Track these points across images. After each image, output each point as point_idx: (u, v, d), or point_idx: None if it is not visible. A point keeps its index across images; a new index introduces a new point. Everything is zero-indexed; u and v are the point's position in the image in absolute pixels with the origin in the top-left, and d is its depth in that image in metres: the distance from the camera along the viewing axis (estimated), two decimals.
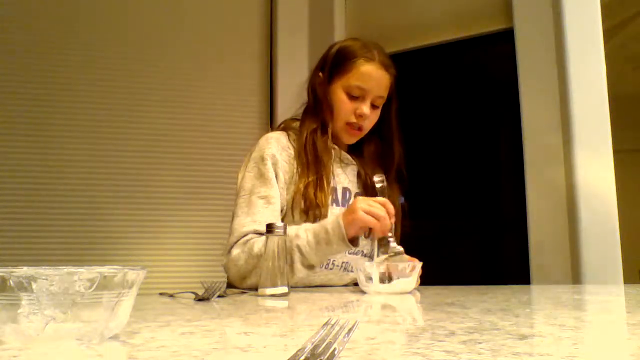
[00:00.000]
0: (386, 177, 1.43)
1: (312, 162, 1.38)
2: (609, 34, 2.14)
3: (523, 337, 0.54)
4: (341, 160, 1.47)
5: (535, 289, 1.14)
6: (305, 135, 1.41)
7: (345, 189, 1.45)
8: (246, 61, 2.79)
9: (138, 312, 0.76)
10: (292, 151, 1.41)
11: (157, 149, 2.66)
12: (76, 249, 2.52)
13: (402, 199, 1.56)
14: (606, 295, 1.09)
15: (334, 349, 0.42)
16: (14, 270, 0.49)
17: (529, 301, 0.95)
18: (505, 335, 0.55)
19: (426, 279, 1.29)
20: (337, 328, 0.50)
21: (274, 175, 1.36)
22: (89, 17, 2.65)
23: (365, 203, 1.23)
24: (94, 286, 0.49)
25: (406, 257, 1.23)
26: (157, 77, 2.69)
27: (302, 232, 1.26)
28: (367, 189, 1.46)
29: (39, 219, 2.51)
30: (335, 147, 1.46)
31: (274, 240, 1.11)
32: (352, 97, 1.40)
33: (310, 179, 1.37)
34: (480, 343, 0.52)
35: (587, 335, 0.56)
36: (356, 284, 1.25)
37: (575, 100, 1.90)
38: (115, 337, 0.54)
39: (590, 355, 0.45)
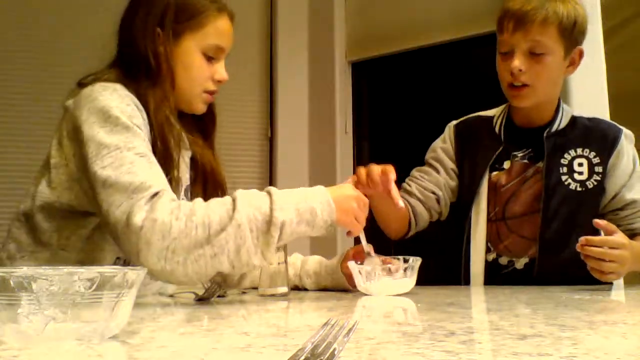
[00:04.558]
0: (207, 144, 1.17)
1: (161, 157, 0.99)
2: (609, 34, 2.14)
3: (523, 337, 0.54)
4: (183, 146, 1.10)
5: (535, 289, 1.14)
6: (161, 114, 1.02)
7: (186, 189, 1.14)
8: (246, 61, 2.79)
9: (138, 312, 0.76)
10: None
11: None
12: None
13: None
14: (606, 295, 1.09)
15: (334, 349, 0.42)
16: (14, 270, 0.49)
17: (529, 301, 0.95)
18: (505, 335, 0.55)
19: (425, 280, 1.29)
20: (337, 328, 0.50)
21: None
22: (88, 16, 2.65)
23: (363, 208, 1.00)
24: (94, 286, 0.50)
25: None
26: None
27: (288, 211, 0.89)
28: (197, 175, 1.16)
29: None
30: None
31: None
32: (209, 58, 1.11)
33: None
34: (480, 343, 0.52)
35: (587, 335, 0.56)
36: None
37: (575, 100, 1.90)
38: (115, 337, 0.54)
39: (590, 355, 0.45)
